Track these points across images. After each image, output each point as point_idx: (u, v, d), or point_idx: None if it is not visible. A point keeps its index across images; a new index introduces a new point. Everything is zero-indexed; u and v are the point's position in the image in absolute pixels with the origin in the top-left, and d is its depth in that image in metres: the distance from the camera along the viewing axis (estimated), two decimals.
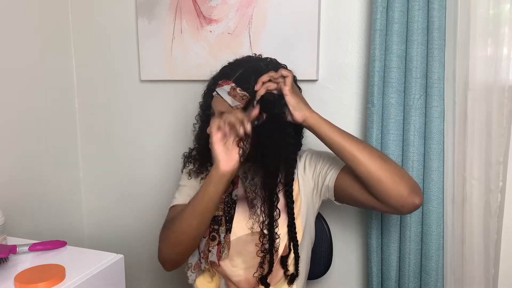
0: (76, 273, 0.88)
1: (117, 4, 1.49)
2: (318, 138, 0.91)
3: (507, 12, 1.01)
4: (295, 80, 0.98)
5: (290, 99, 0.88)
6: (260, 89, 0.90)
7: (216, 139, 0.84)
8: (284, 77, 0.89)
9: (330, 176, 0.96)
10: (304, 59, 1.23)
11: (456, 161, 1.08)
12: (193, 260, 1.00)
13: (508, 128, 1.03)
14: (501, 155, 1.04)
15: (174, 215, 0.98)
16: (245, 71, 0.94)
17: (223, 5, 1.31)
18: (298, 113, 0.88)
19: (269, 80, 0.90)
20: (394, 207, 0.87)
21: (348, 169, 0.93)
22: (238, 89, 0.92)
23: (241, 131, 0.83)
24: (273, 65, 0.98)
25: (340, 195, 0.97)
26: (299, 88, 1.00)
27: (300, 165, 1.02)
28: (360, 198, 0.92)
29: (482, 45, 1.02)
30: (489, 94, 1.03)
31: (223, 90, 0.93)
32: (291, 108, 0.88)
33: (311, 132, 0.91)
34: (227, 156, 0.85)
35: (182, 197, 1.03)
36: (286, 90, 0.87)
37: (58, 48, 1.53)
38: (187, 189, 1.05)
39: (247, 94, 0.92)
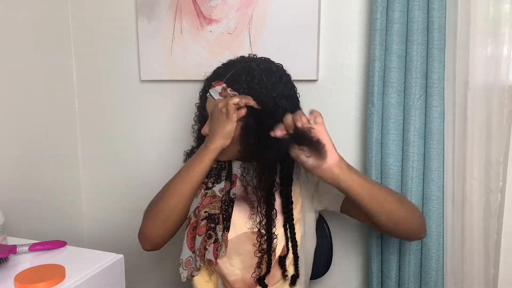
0: (76, 273, 0.88)
1: (117, 4, 1.49)
2: (340, 189, 0.85)
3: (507, 12, 1.01)
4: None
5: (325, 134, 0.81)
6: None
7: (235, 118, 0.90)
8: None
9: (337, 200, 1.00)
10: (304, 59, 1.23)
11: (456, 161, 1.08)
12: (184, 256, 1.00)
13: (508, 128, 1.03)
14: (501, 155, 1.04)
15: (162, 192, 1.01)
16: (236, 72, 0.95)
17: (223, 5, 1.31)
18: (333, 152, 0.81)
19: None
20: (399, 238, 0.97)
21: None
22: (228, 90, 0.93)
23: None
24: (266, 64, 0.98)
25: (345, 211, 1.01)
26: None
27: (303, 169, 1.02)
28: (366, 221, 0.97)
29: (482, 45, 1.02)
30: (489, 94, 1.03)
31: (215, 91, 0.94)
32: (326, 143, 0.80)
33: (331, 183, 0.84)
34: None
35: None
36: (320, 119, 0.81)
37: (58, 48, 1.53)
38: None
39: (238, 94, 0.93)
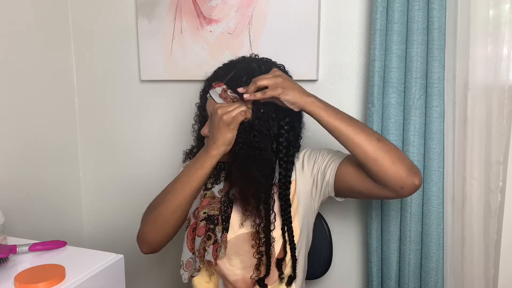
0: (76, 273, 0.88)
1: (117, 4, 1.49)
2: (317, 121, 0.90)
3: (507, 12, 1.01)
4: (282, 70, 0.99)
5: (285, 98, 0.88)
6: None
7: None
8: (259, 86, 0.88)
9: (330, 171, 0.96)
10: (304, 59, 1.23)
11: (456, 161, 1.08)
12: (184, 258, 1.00)
13: (508, 128, 1.03)
14: (501, 155, 1.04)
15: (161, 197, 1.00)
16: (237, 73, 0.94)
17: (223, 5, 1.31)
18: (294, 107, 0.89)
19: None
20: (393, 189, 0.87)
21: (347, 161, 0.94)
22: (229, 91, 0.93)
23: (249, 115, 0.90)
24: (267, 65, 0.97)
25: (340, 189, 0.97)
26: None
27: (298, 164, 1.02)
28: (359, 187, 0.92)
29: (482, 45, 1.02)
30: (489, 94, 1.03)
31: (215, 92, 0.94)
32: (288, 104, 0.88)
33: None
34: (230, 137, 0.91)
35: None
36: (277, 93, 0.87)
37: (58, 48, 1.53)
38: None
39: (238, 96, 0.92)
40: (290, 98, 0.88)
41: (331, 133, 0.90)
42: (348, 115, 0.90)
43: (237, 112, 0.89)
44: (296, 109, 0.89)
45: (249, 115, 0.90)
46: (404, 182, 0.86)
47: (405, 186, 0.86)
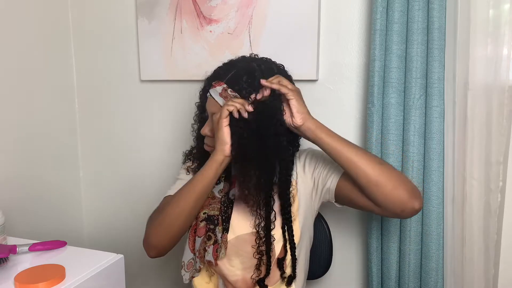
0: (76, 273, 0.88)
1: (117, 4, 1.49)
2: (315, 143, 0.91)
3: (507, 12, 1.01)
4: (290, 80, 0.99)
5: (295, 102, 0.89)
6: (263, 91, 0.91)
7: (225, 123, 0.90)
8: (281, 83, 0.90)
9: (331, 179, 0.96)
10: (304, 59, 1.23)
11: (456, 161, 1.08)
12: (186, 259, 1.00)
13: (508, 128, 1.03)
14: (501, 155, 1.04)
15: (167, 201, 1.00)
16: (237, 72, 0.95)
17: (223, 5, 1.31)
18: (299, 115, 0.89)
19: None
20: (393, 212, 0.88)
21: (347, 176, 0.93)
22: (229, 90, 0.93)
23: (245, 113, 0.89)
24: (267, 64, 0.97)
25: (340, 198, 0.97)
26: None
27: (299, 165, 1.02)
28: (360, 203, 0.93)
29: (482, 45, 1.02)
30: (489, 94, 1.03)
31: (215, 92, 0.94)
32: (294, 110, 0.89)
33: (308, 137, 0.91)
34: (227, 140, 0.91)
35: (177, 189, 1.03)
36: (290, 94, 0.88)
37: (58, 48, 1.53)
38: (184, 183, 1.04)
39: (238, 95, 0.92)
40: (299, 106, 0.89)
41: (332, 155, 0.90)
42: (348, 140, 0.91)
43: (223, 108, 0.90)
44: (299, 121, 0.89)
45: (232, 108, 0.89)
46: (404, 206, 0.87)
47: (405, 210, 0.87)
